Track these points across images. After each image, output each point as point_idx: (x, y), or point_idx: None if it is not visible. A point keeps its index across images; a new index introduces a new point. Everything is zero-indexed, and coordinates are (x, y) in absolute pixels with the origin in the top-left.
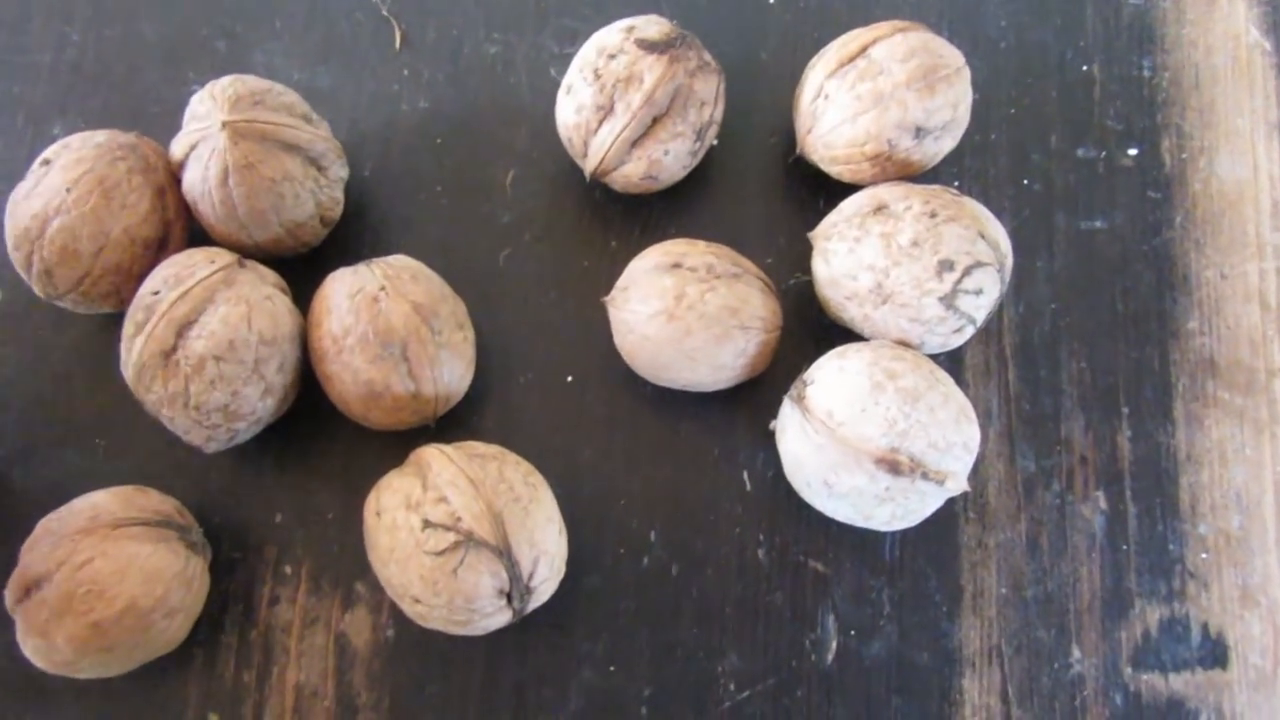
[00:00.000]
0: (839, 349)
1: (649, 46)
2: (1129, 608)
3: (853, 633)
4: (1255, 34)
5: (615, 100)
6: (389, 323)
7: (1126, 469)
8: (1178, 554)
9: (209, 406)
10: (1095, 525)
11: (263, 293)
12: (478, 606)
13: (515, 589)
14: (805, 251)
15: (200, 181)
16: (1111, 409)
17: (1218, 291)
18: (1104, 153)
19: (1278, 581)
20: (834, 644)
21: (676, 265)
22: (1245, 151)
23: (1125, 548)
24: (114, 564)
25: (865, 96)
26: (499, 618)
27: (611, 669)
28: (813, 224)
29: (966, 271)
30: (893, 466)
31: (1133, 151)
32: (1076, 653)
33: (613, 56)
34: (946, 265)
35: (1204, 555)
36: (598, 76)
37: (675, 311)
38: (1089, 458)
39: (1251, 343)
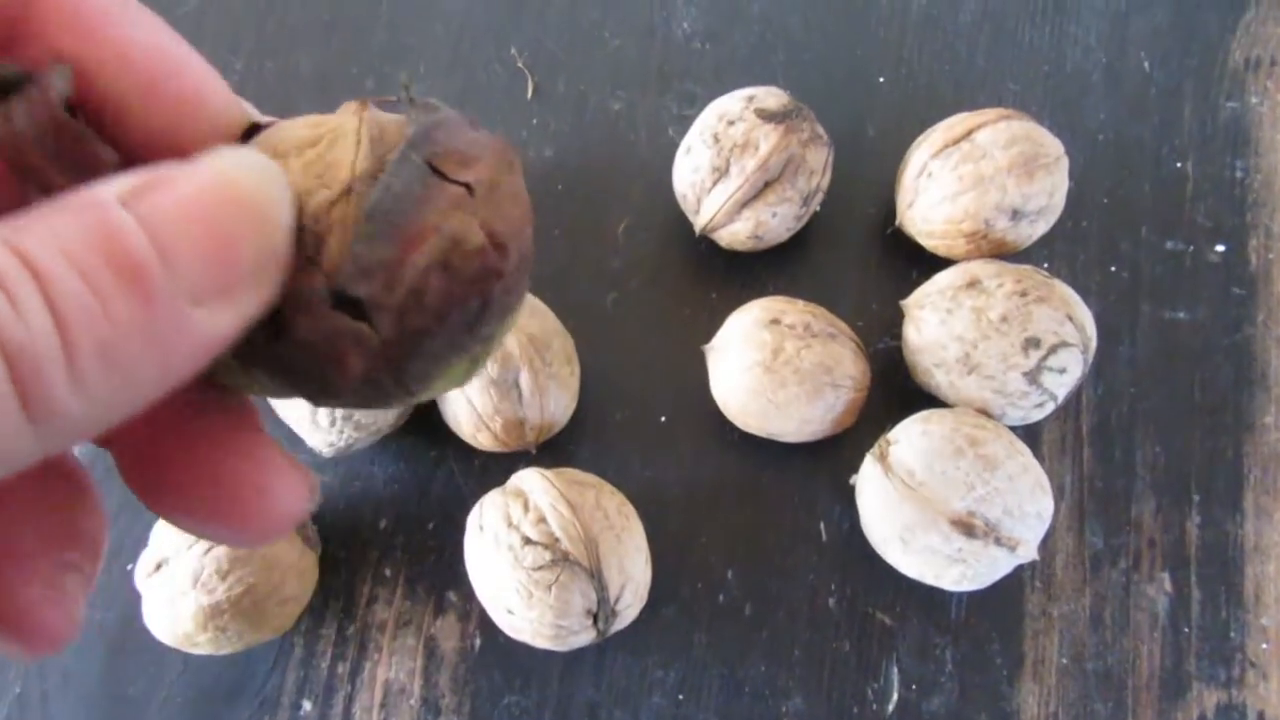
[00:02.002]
0: (923, 413)
1: (767, 116)
2: (1187, 690)
3: (914, 687)
4: None
5: (731, 163)
6: (507, 351)
7: (1193, 554)
8: (1239, 642)
9: (336, 414)
10: (1159, 606)
11: None
12: (566, 624)
13: (602, 611)
14: (895, 317)
15: None
16: (1182, 495)
17: None
18: (1192, 247)
19: None
20: (895, 696)
21: (776, 321)
22: None
23: (1187, 630)
24: (238, 550)
25: (967, 177)
26: (584, 636)
27: (681, 698)
28: (904, 292)
29: (1052, 350)
30: (967, 529)
31: (1220, 248)
32: None
33: (732, 123)
34: (1033, 343)
35: (1265, 646)
36: (716, 140)
37: (772, 365)
38: (1157, 540)
39: None
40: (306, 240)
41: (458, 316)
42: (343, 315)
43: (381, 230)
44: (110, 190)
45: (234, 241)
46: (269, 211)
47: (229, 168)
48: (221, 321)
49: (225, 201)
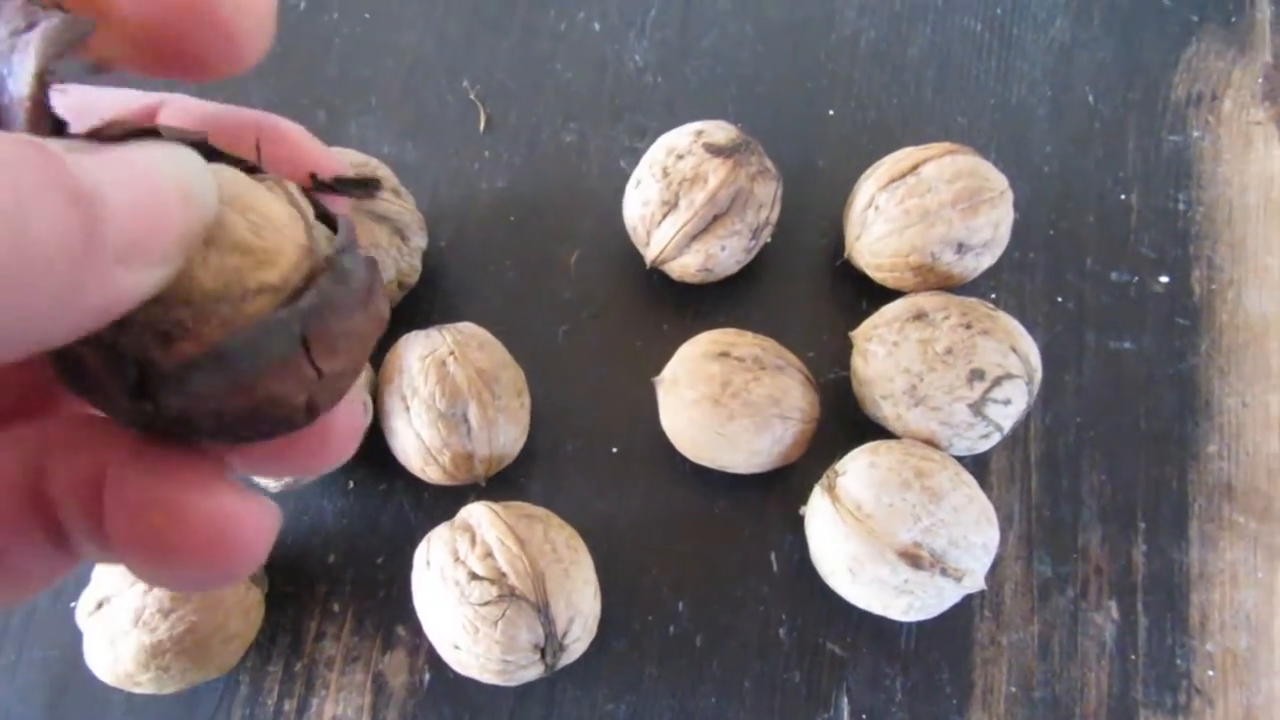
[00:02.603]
0: (871, 444)
1: (715, 150)
2: (1134, 717)
3: (864, 717)
4: None
5: (680, 197)
6: (455, 385)
7: (1140, 582)
8: (1185, 669)
9: None
10: (1106, 634)
11: None
12: (513, 658)
13: (550, 645)
14: (845, 348)
15: None
16: (1128, 523)
17: (1238, 419)
18: (1137, 278)
19: None
20: None
21: (725, 354)
22: (1273, 288)
23: (1134, 658)
24: None
25: (913, 211)
26: (532, 670)
27: None
28: (854, 323)
29: (996, 382)
30: (914, 560)
31: (1164, 279)
32: None
33: (681, 157)
34: (978, 375)
35: (1210, 673)
36: (665, 174)
37: (720, 397)
38: (1104, 568)
39: (1269, 471)
40: (186, 293)
41: (232, 432)
42: (136, 399)
43: (221, 370)
44: (57, 143)
45: (166, 211)
46: (197, 197)
47: (167, 155)
48: (132, 282)
49: (163, 175)
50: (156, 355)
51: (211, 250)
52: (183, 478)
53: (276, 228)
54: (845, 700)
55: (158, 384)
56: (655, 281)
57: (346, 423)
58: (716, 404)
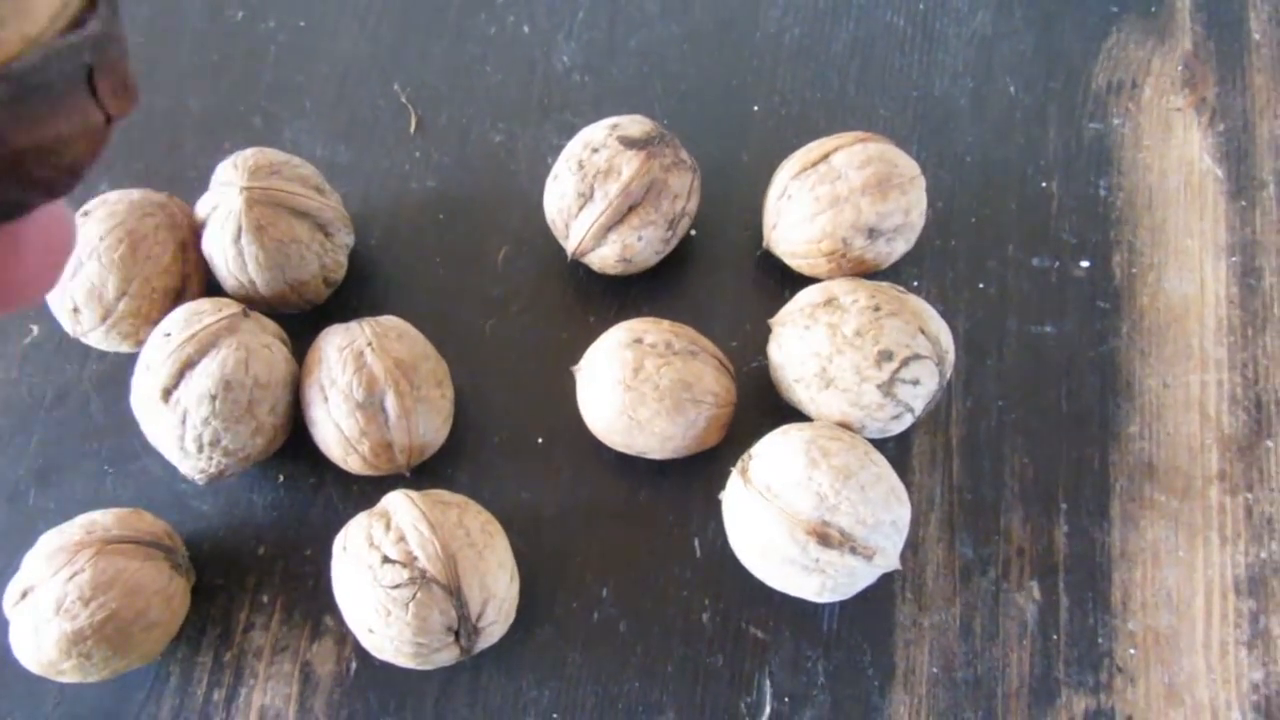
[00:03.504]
0: (783, 427)
1: (629, 143)
2: (1056, 696)
3: (786, 699)
4: (1208, 161)
5: (595, 189)
6: (372, 375)
7: (1061, 562)
8: (1106, 648)
9: (203, 440)
10: (1028, 614)
11: (262, 340)
12: (426, 641)
13: (463, 628)
14: (768, 336)
15: (218, 239)
16: (1050, 504)
17: (1159, 399)
18: (1058, 263)
19: (1204, 682)
20: (768, 709)
21: (638, 341)
22: (1193, 270)
23: (1056, 638)
24: (102, 575)
25: (823, 198)
26: (446, 653)
27: (555, 717)
28: (775, 312)
29: (904, 362)
30: (823, 539)
31: (1085, 264)
32: None
33: (596, 150)
34: (885, 355)
35: (1132, 651)
36: (581, 167)
37: (632, 383)
38: (1026, 549)
39: (1190, 450)
40: None
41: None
42: None
43: (7, 97)
44: None
45: None
46: None
47: None
48: None
49: None
50: None
51: None
52: None
53: None
54: (767, 683)
55: None
56: (580, 275)
57: (52, 234)
58: (628, 389)
